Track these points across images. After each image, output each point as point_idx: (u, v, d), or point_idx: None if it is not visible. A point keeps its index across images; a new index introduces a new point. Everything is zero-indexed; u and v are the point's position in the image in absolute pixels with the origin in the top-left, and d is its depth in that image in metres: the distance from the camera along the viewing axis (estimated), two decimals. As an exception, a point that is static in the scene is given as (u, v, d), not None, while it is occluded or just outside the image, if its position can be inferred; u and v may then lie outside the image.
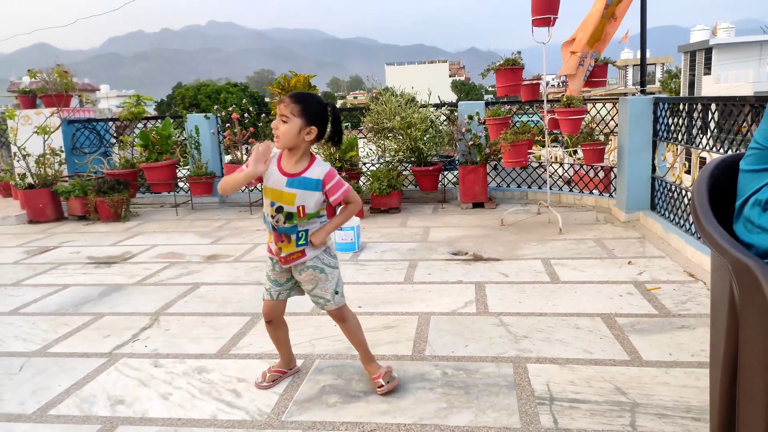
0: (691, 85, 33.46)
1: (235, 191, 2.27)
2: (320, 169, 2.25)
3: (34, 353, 2.90)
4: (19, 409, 2.35)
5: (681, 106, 4.63)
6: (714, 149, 4.00)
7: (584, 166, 6.18)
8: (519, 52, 5.55)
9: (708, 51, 31.68)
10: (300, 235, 2.27)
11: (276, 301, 2.40)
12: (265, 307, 2.42)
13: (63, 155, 7.08)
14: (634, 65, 44.49)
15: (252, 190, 7.41)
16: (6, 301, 3.75)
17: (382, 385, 2.33)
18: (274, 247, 2.30)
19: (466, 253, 4.37)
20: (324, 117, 2.23)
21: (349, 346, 2.78)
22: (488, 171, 6.47)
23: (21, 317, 3.44)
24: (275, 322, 2.44)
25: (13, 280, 4.25)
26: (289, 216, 2.23)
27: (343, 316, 2.40)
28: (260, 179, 2.24)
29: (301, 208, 2.22)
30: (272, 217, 2.24)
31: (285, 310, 2.46)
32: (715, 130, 4.04)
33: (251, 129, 6.79)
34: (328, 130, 2.28)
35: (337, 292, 2.36)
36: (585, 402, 2.20)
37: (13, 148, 7.00)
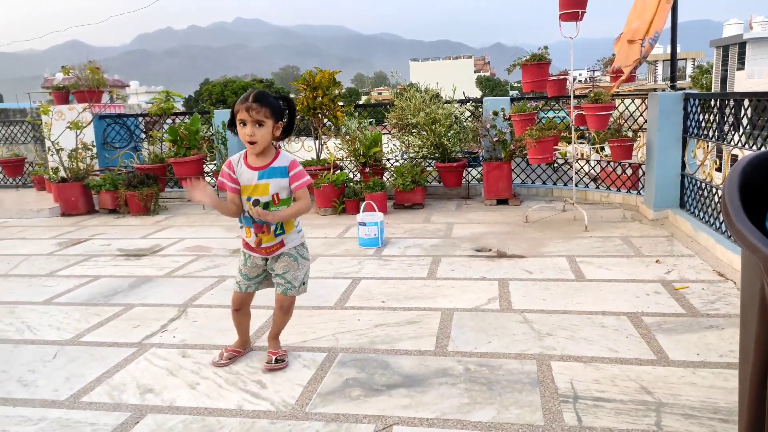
0: (723, 81, 32.61)
1: (234, 214, 2.46)
2: (285, 158, 2.45)
3: (67, 342, 2.99)
4: (53, 395, 2.43)
5: (712, 102, 4.53)
6: (746, 146, 3.91)
7: (611, 163, 6.09)
8: (546, 47, 5.47)
9: (741, 45, 30.82)
10: (278, 225, 2.45)
11: (245, 294, 2.60)
12: (235, 297, 2.61)
13: (94, 150, 7.25)
14: (664, 60, 43.53)
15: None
16: (40, 291, 3.87)
17: (271, 361, 2.55)
18: (254, 240, 2.47)
19: (490, 250, 4.35)
20: (283, 112, 2.42)
21: (372, 340, 2.81)
22: (513, 167, 6.42)
23: (54, 307, 3.55)
24: (242, 310, 2.65)
25: (47, 270, 4.38)
26: (266, 205, 2.40)
27: (288, 308, 2.59)
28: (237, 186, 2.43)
29: (275, 195, 2.41)
30: (249, 211, 2.42)
31: (252, 300, 2.66)
32: (748, 127, 3.94)
33: (277, 125, 6.84)
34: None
35: (304, 283, 2.58)
36: (610, 401, 2.18)
37: (47, 143, 7.20)
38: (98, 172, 7.10)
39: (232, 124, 2.42)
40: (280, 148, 2.49)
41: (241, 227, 2.52)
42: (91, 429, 2.16)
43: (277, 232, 2.46)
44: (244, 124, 2.34)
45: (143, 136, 8.02)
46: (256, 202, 2.40)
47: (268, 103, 2.34)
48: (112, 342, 2.96)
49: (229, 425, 2.14)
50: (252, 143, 2.35)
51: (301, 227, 2.58)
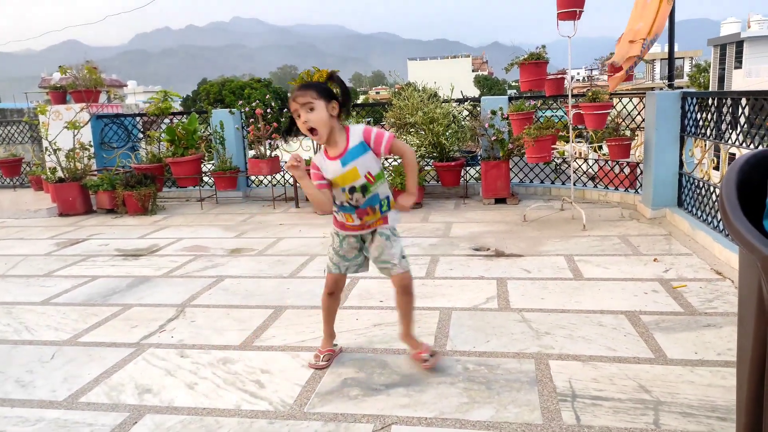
0: (721, 80, 32.66)
1: (323, 203, 2.33)
2: (356, 132, 2.32)
3: (65, 342, 2.98)
4: (51, 396, 2.43)
5: (710, 101, 4.54)
6: (744, 145, 3.92)
7: (609, 162, 6.10)
8: (543, 46, 5.47)
9: (739, 44, 30.87)
10: (382, 203, 2.39)
11: (341, 275, 2.50)
12: (330, 279, 2.51)
13: (92, 150, 7.23)
14: (661, 59, 43.58)
15: (275, 185, 7.48)
16: (38, 291, 3.86)
17: (427, 360, 2.46)
18: (356, 224, 2.40)
19: (488, 249, 4.35)
20: (331, 91, 2.31)
21: (371, 339, 2.81)
22: (511, 166, 6.42)
23: (52, 307, 3.54)
24: (336, 294, 2.56)
25: (44, 271, 4.37)
26: (364, 188, 2.33)
27: (407, 287, 2.46)
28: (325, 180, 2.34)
29: (368, 174, 2.32)
30: (349, 200, 2.34)
31: (345, 284, 2.58)
32: (745, 125, 3.94)
33: (275, 124, 6.84)
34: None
35: (403, 257, 2.46)
36: (608, 399, 2.18)
37: (45, 143, 7.19)
38: (96, 172, 7.09)
39: (290, 130, 2.36)
40: (347, 126, 2.35)
41: (338, 213, 2.43)
42: (89, 429, 2.15)
43: (383, 209, 2.40)
44: (299, 116, 2.25)
45: (141, 135, 8.01)
46: (353, 189, 2.31)
47: (312, 86, 2.25)
48: (110, 342, 2.95)
49: (227, 425, 2.14)
50: (311, 130, 2.24)
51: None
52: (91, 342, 2.97)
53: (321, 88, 2.26)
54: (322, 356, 2.57)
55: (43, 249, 5.09)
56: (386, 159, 6.99)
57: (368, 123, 7.30)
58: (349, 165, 2.29)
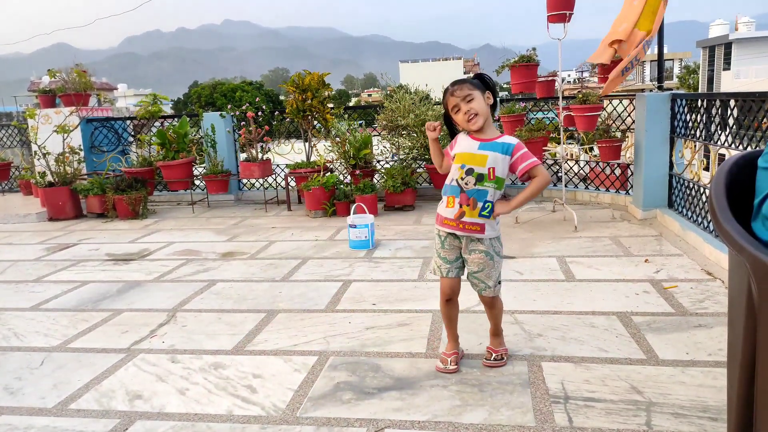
0: (710, 81, 32.95)
1: (439, 159, 2.51)
2: (512, 139, 2.39)
3: (54, 348, 2.95)
4: (40, 403, 2.40)
5: (699, 102, 4.57)
6: (733, 146, 3.95)
7: (600, 163, 6.13)
8: (534, 49, 5.50)
9: (727, 46, 31.17)
10: (486, 205, 2.35)
11: (451, 279, 2.45)
12: (444, 285, 2.46)
13: (82, 154, 7.19)
14: (651, 61, 43.88)
15: (267, 188, 7.46)
16: (27, 297, 3.82)
17: (489, 358, 2.51)
18: (455, 212, 2.37)
19: (481, 251, 4.35)
20: (486, 83, 2.41)
21: (364, 343, 2.80)
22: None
23: (42, 313, 3.51)
24: (453, 299, 2.49)
25: (34, 276, 4.33)
26: (480, 177, 2.34)
27: (494, 303, 2.50)
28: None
29: (491, 170, 2.33)
30: (462, 179, 2.35)
31: (460, 288, 2.50)
32: (734, 127, 3.98)
33: (266, 127, 6.83)
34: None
35: (499, 282, 2.46)
36: (600, 401, 2.18)
37: (34, 147, 7.13)
38: (86, 176, 7.04)
39: (449, 123, 2.47)
40: (504, 134, 2.43)
41: (444, 197, 2.43)
42: (79, 437, 2.13)
43: (483, 213, 2.34)
44: (458, 110, 2.34)
45: (131, 139, 7.97)
46: (470, 171, 2.34)
47: (466, 81, 2.37)
48: (101, 348, 2.93)
49: (219, 431, 2.12)
50: (473, 116, 2.32)
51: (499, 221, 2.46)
52: (81, 348, 2.94)
53: (474, 82, 2.37)
54: (450, 359, 2.48)
55: (33, 254, 5.05)
56: (378, 161, 6.99)
57: (360, 125, 7.30)
58: (484, 151, 2.34)
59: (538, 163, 2.35)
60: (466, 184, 2.35)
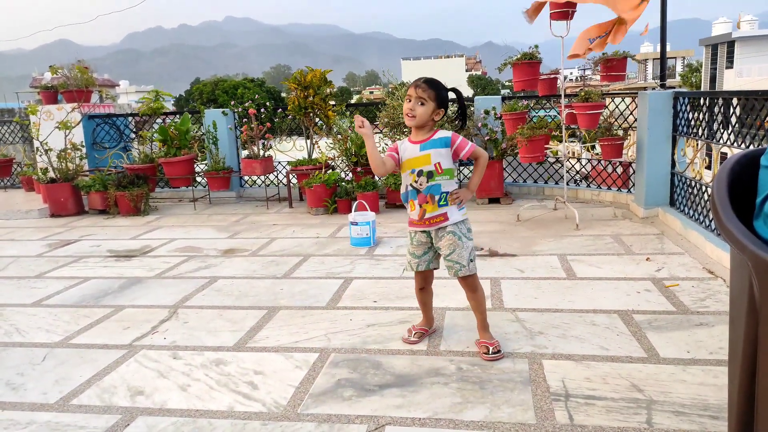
0: (713, 79, 32.87)
1: (379, 165, 2.51)
2: (445, 132, 2.58)
3: (56, 344, 2.96)
4: (42, 398, 2.41)
5: (701, 101, 4.56)
6: (735, 144, 3.94)
7: (602, 162, 6.12)
8: (536, 46, 5.49)
9: (730, 44, 31.07)
10: (442, 196, 2.54)
11: (422, 272, 2.69)
12: (417, 277, 2.73)
13: (84, 150, 7.19)
14: (653, 59, 43.82)
15: (268, 185, 7.46)
16: (29, 293, 3.83)
17: (487, 352, 2.56)
18: (418, 213, 2.57)
19: (482, 249, 4.36)
20: (446, 102, 2.57)
21: (365, 340, 2.81)
22: (504, 166, 6.43)
23: (44, 309, 3.51)
24: (426, 289, 2.77)
25: (36, 272, 4.34)
26: (430, 174, 2.53)
27: (474, 286, 2.63)
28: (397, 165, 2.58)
29: (438, 165, 2.52)
30: (416, 182, 2.55)
31: (433, 278, 2.77)
32: (737, 125, 3.97)
33: (268, 124, 6.83)
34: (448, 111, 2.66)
35: (471, 260, 2.59)
36: (601, 399, 2.19)
37: (36, 143, 7.13)
38: (88, 173, 7.05)
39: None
40: (437, 129, 2.59)
41: (406, 203, 2.63)
42: (81, 432, 2.14)
43: (441, 203, 2.54)
44: (409, 100, 2.50)
45: (133, 135, 7.97)
46: (420, 173, 2.53)
47: (435, 88, 2.52)
48: (102, 344, 2.93)
49: (220, 427, 2.13)
50: (411, 117, 2.49)
51: (464, 206, 2.65)
52: (83, 344, 2.95)
53: (440, 96, 2.52)
54: (414, 332, 2.77)
55: (35, 250, 5.06)
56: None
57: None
58: (425, 151, 2.52)
59: (475, 145, 2.60)
60: (420, 185, 2.54)
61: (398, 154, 2.58)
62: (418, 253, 2.65)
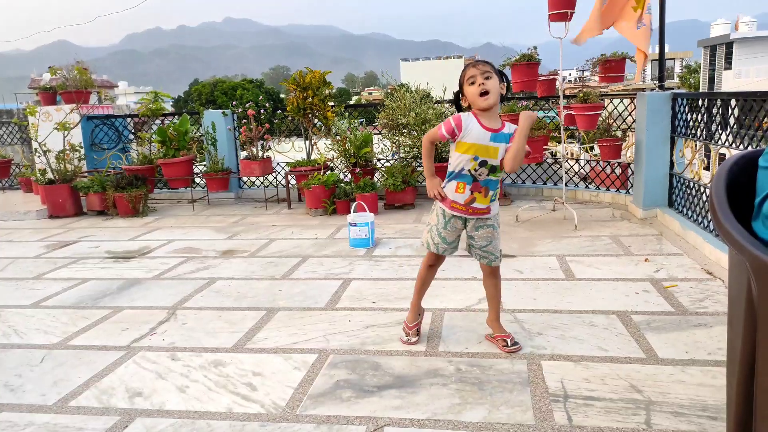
0: (711, 81, 32.92)
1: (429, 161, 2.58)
2: (511, 126, 2.50)
3: (54, 345, 2.96)
4: (41, 400, 2.40)
5: (700, 102, 4.57)
6: (733, 145, 3.95)
7: (601, 163, 6.12)
8: (535, 48, 5.50)
9: (729, 45, 31.13)
10: (495, 192, 2.54)
11: (440, 256, 2.67)
12: (432, 257, 2.68)
13: (82, 151, 7.19)
14: (652, 60, 43.75)
15: (267, 186, 7.46)
16: (27, 294, 3.83)
17: (507, 344, 2.60)
18: (465, 198, 2.51)
19: (481, 250, 4.36)
20: (504, 75, 2.52)
21: (363, 341, 2.80)
22: (503, 167, 6.43)
23: (42, 310, 3.51)
24: (436, 266, 2.74)
25: (34, 273, 4.33)
26: (493, 169, 2.48)
27: (499, 275, 2.70)
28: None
29: (502, 161, 2.46)
30: (475, 170, 2.46)
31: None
32: (735, 126, 3.97)
33: (267, 125, 6.83)
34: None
35: (501, 250, 2.65)
36: (600, 399, 2.19)
37: (34, 144, 7.13)
38: (86, 174, 7.04)
39: (458, 100, 2.53)
40: (504, 120, 2.52)
41: (450, 182, 2.54)
42: (79, 434, 2.13)
43: (492, 198, 2.53)
44: (473, 82, 2.41)
45: (132, 137, 7.96)
46: (483, 163, 2.45)
47: (489, 63, 2.48)
48: (101, 345, 2.93)
49: (219, 428, 2.13)
50: (485, 93, 2.38)
51: None
52: (82, 345, 2.95)
53: (494, 67, 2.47)
54: (411, 332, 2.74)
55: (33, 251, 5.05)
56: (379, 159, 7.00)
57: (360, 124, 7.30)
58: (496, 143, 2.44)
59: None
60: (479, 175, 2.47)
61: (459, 130, 2.42)
62: (450, 239, 2.59)
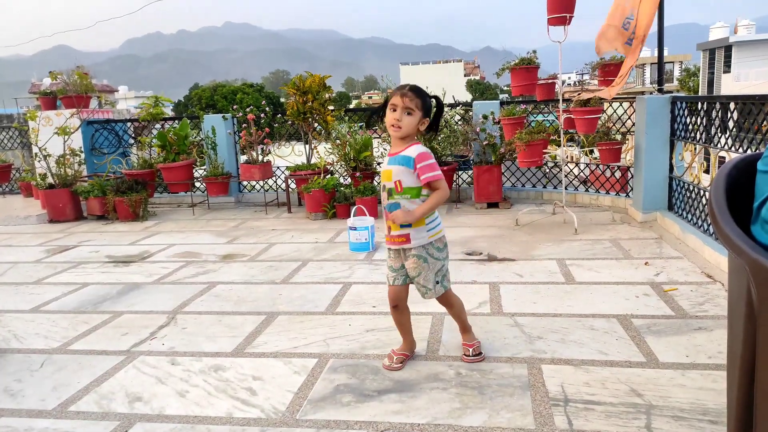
0: (710, 84, 32.98)
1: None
2: (415, 148, 2.40)
3: (54, 350, 2.95)
4: (40, 405, 2.40)
5: (699, 105, 4.58)
6: (733, 149, 3.95)
7: (600, 166, 6.13)
8: (534, 51, 5.51)
9: (728, 49, 31.20)
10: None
11: (397, 287, 2.53)
12: (390, 292, 2.55)
13: (82, 156, 7.20)
14: (651, 63, 43.96)
15: (267, 190, 7.46)
16: (27, 299, 3.82)
17: (469, 355, 2.55)
18: (387, 229, 2.49)
19: (480, 254, 4.36)
20: (431, 110, 2.47)
21: (363, 345, 2.80)
22: (503, 171, 6.44)
23: (42, 315, 3.51)
24: (400, 306, 2.56)
25: (34, 278, 4.33)
26: (390, 192, 2.43)
27: (448, 302, 2.60)
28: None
29: (397, 182, 2.40)
30: (382, 196, 2.48)
31: (408, 295, 2.58)
32: (734, 129, 3.98)
33: (266, 129, 6.84)
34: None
35: (437, 282, 2.49)
36: (600, 403, 2.18)
37: (35, 149, 7.13)
38: (86, 178, 7.05)
39: (379, 113, 2.50)
40: (418, 141, 2.47)
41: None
42: (79, 439, 2.13)
43: (403, 224, 2.41)
44: (394, 110, 2.38)
45: (132, 141, 7.97)
46: (384, 188, 2.47)
47: (422, 97, 2.40)
48: (101, 350, 2.93)
49: (218, 433, 2.12)
50: (397, 127, 2.37)
51: (439, 222, 2.49)
52: (81, 350, 2.94)
53: (426, 105, 2.41)
54: (395, 357, 2.58)
55: (33, 256, 5.05)
56: (379, 163, 7.00)
57: (360, 128, 7.31)
58: (390, 166, 2.43)
59: (439, 177, 2.38)
60: (384, 200, 2.47)
61: None
62: (395, 266, 2.51)
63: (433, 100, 2.49)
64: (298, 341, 2.90)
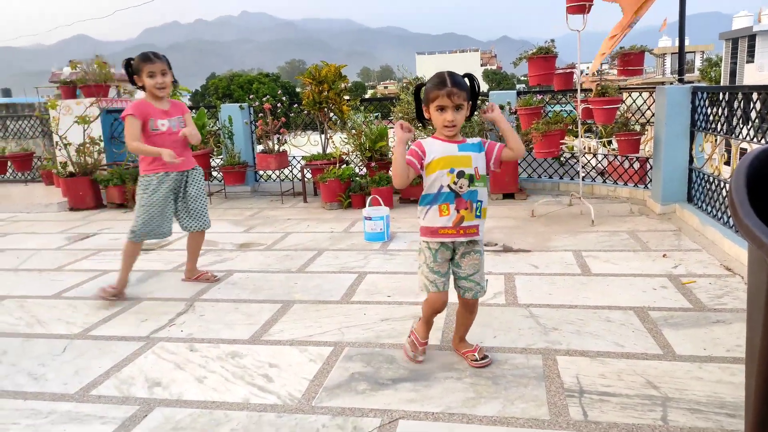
0: (733, 74, 32.32)
1: (402, 175, 2.29)
2: (473, 138, 2.39)
3: (76, 336, 3.02)
4: (63, 389, 2.46)
5: (720, 96, 4.50)
6: (755, 140, 3.88)
7: (618, 157, 6.06)
8: (552, 41, 5.44)
9: (751, 38, 30.50)
10: (478, 205, 2.32)
11: (444, 293, 2.38)
12: (437, 299, 2.37)
13: (102, 144, 7.28)
14: (672, 53, 43.14)
15: (283, 180, 7.50)
16: (49, 285, 3.90)
17: (478, 359, 2.44)
18: (453, 219, 2.29)
19: (496, 244, 4.35)
20: (476, 93, 2.36)
21: (378, 334, 2.82)
22: (519, 161, 6.40)
23: (63, 301, 3.58)
24: (440, 311, 2.46)
25: (55, 265, 4.42)
26: (471, 178, 2.29)
27: (476, 307, 2.49)
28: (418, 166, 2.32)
29: (476, 169, 2.30)
30: (455, 183, 2.27)
31: None
32: (757, 120, 3.91)
33: (283, 119, 6.86)
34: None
35: (487, 280, 2.46)
36: (615, 395, 2.18)
37: (55, 138, 7.24)
38: (106, 167, 7.14)
39: (420, 113, 2.39)
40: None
41: (430, 208, 2.31)
42: (100, 422, 2.18)
43: (477, 213, 2.31)
44: (443, 110, 2.26)
45: (150, 130, 8.04)
46: (461, 174, 2.27)
47: (465, 88, 2.27)
48: (121, 336, 2.98)
49: (236, 419, 2.16)
50: (452, 127, 2.27)
51: None
52: (102, 335, 3.00)
53: (469, 91, 2.29)
54: (419, 350, 2.50)
55: (54, 243, 5.14)
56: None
57: (376, 117, 7.30)
58: (467, 152, 2.30)
59: (503, 146, 2.38)
60: (460, 187, 2.27)
61: (423, 154, 2.29)
62: (443, 270, 2.35)
63: (467, 79, 2.33)
64: (314, 330, 2.93)
